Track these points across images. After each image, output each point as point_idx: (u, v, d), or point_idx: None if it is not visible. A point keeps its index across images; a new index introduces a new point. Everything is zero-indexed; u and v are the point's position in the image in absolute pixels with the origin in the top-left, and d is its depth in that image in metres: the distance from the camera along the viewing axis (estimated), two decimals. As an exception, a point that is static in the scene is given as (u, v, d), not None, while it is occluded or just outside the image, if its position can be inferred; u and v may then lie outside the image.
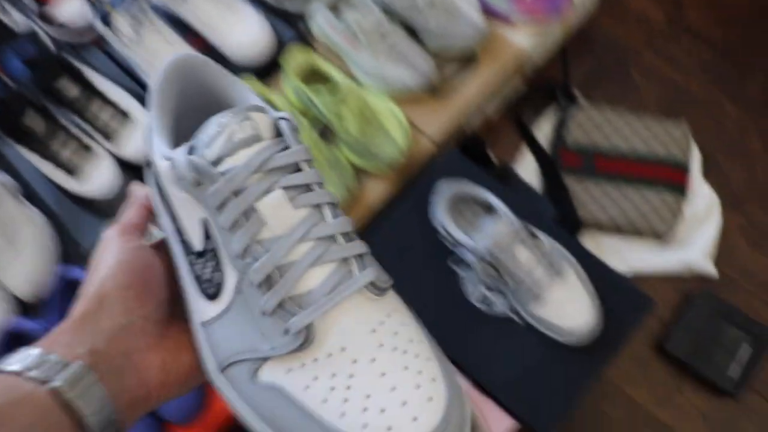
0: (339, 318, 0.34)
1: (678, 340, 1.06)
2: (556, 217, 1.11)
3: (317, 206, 0.36)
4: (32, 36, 1.09)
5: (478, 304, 0.98)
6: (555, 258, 0.93)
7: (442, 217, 0.97)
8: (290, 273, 0.34)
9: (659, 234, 1.10)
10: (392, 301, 0.36)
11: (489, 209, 0.96)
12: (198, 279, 0.37)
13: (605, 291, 0.96)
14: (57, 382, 0.31)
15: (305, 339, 0.33)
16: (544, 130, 1.23)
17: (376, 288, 0.35)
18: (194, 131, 0.37)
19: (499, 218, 0.91)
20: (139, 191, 0.43)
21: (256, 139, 0.35)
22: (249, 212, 0.34)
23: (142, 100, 1.11)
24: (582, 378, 0.94)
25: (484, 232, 0.91)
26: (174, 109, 0.42)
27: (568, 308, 0.92)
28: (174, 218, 0.38)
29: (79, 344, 0.34)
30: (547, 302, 0.92)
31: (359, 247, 0.36)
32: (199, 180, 0.35)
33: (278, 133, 0.37)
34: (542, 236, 0.95)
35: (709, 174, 1.18)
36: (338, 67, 1.12)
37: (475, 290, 0.97)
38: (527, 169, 1.20)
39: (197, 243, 0.36)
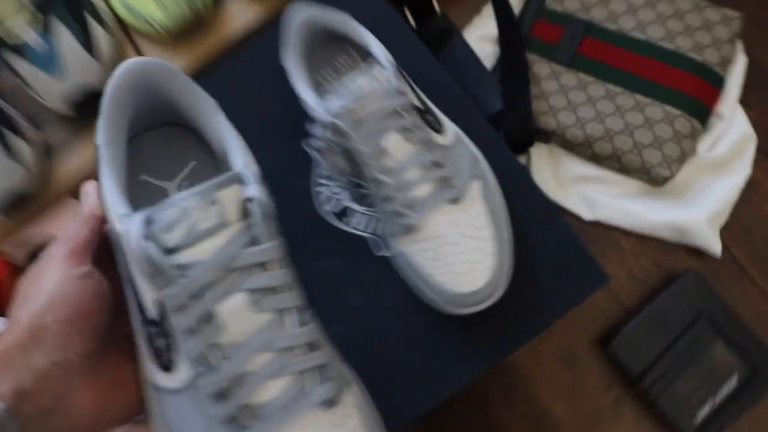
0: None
1: (631, 340, 0.68)
2: (500, 118, 0.71)
3: (281, 312, 0.34)
4: None
5: (325, 215, 0.60)
6: (459, 172, 0.54)
7: (288, 60, 0.57)
8: (246, 386, 0.32)
9: (656, 179, 0.71)
10: (347, 406, 0.35)
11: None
12: (150, 342, 0.34)
13: (534, 245, 0.59)
14: None
15: None
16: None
17: (331, 401, 0.34)
18: (153, 159, 0.39)
19: (368, 73, 0.52)
20: (91, 197, 0.38)
21: (221, 226, 0.32)
22: (207, 317, 0.32)
23: None
24: (469, 365, 0.58)
25: (338, 93, 0.52)
26: (127, 129, 0.39)
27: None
28: (129, 272, 0.34)
29: (2, 382, 0.30)
30: (425, 240, 0.54)
31: (321, 357, 0.34)
32: (154, 272, 0.32)
33: (246, 213, 0.33)
34: (451, 131, 0.56)
35: (751, 99, 0.77)
36: None
37: (323, 191, 0.59)
38: (484, 40, 0.79)
39: (151, 312, 0.34)
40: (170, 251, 0.32)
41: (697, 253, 0.73)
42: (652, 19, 0.74)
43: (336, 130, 0.51)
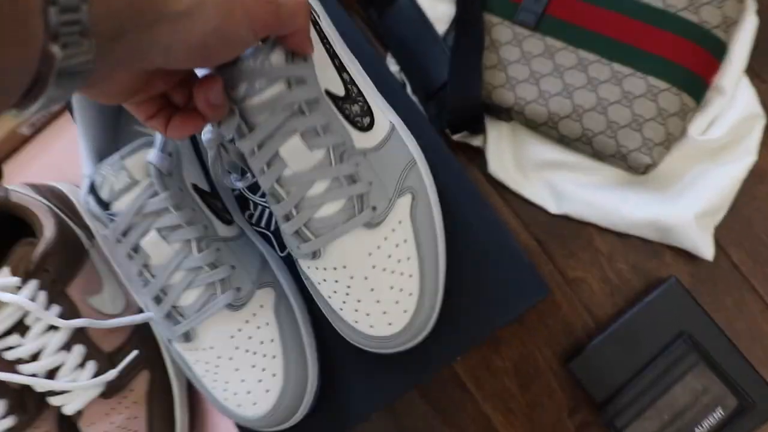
0: (208, 327, 0.50)
1: (595, 361, 0.59)
2: (445, 92, 0.63)
3: (187, 242, 0.49)
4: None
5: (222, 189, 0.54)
6: (382, 187, 0.47)
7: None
8: (170, 294, 0.49)
9: (635, 167, 0.61)
10: (253, 307, 0.51)
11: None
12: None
13: (466, 250, 0.51)
14: None
15: (186, 338, 0.50)
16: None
17: (234, 305, 0.50)
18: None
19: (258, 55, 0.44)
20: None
21: (132, 184, 0.47)
22: (135, 248, 0.49)
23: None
24: (396, 380, 0.55)
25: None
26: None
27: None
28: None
29: None
30: (333, 270, 0.48)
31: (222, 273, 0.49)
32: (96, 219, 0.49)
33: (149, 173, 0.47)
34: (383, 124, 0.49)
35: (763, 69, 0.66)
36: None
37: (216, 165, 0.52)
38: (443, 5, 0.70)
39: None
40: (104, 205, 0.48)
41: (687, 255, 0.63)
42: (640, -28, 0.63)
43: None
